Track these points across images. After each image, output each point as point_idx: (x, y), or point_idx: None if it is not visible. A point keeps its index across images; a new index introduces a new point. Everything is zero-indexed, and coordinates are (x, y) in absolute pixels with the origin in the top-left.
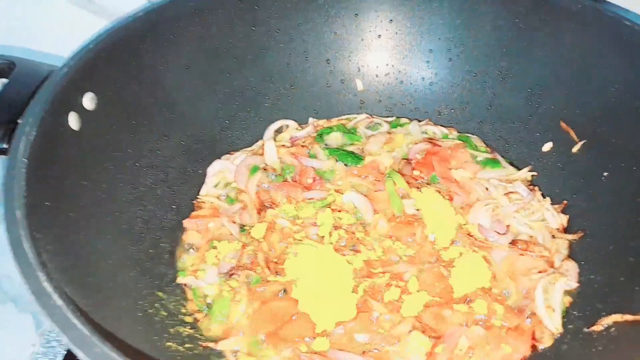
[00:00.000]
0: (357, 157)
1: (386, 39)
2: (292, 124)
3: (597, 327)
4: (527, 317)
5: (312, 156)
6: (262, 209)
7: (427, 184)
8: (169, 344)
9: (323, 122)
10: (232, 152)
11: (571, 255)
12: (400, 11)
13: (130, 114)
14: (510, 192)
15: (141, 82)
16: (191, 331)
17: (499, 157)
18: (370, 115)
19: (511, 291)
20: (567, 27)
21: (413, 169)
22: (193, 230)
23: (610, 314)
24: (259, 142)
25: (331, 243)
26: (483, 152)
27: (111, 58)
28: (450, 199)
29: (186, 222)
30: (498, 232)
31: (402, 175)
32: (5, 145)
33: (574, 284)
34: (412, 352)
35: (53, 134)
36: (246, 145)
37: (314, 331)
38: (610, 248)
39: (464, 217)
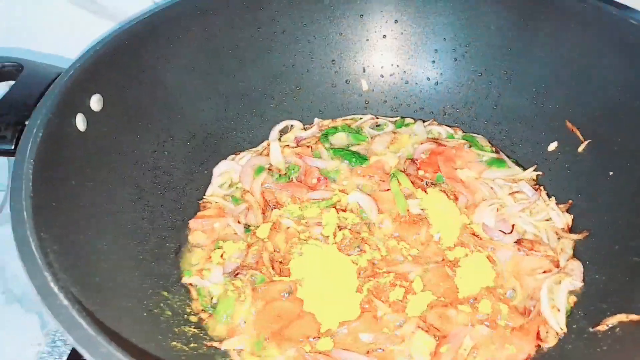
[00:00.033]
0: (362, 157)
1: (391, 39)
2: (297, 124)
3: (602, 327)
4: (531, 317)
5: (317, 156)
6: (267, 209)
7: (432, 183)
8: (173, 343)
9: (328, 123)
10: (237, 153)
11: (576, 255)
12: (406, 12)
13: (136, 115)
14: (515, 192)
15: (147, 84)
16: (196, 331)
17: (504, 157)
18: (376, 115)
19: (516, 291)
20: (571, 26)
21: (418, 168)
22: (198, 230)
23: (615, 314)
24: (264, 143)
25: (336, 243)
26: (488, 151)
27: (118, 60)
28: (456, 199)
29: (192, 222)
30: (503, 232)
31: (407, 175)
32: (12, 147)
33: (578, 284)
34: (417, 352)
35: (60, 136)
36: (251, 145)
37: (319, 331)
38: (615, 248)
39: (469, 216)
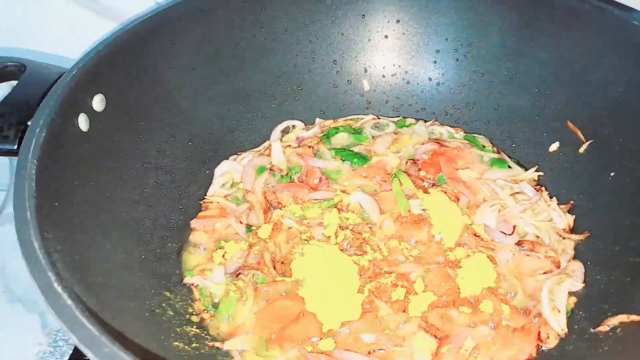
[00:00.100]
0: (363, 158)
1: (393, 39)
2: (298, 124)
3: (603, 328)
4: (533, 318)
5: (319, 157)
6: (268, 209)
7: (434, 184)
8: (176, 343)
9: (329, 123)
10: (239, 153)
11: (577, 256)
12: (407, 12)
13: (138, 115)
14: (516, 193)
15: (149, 84)
16: (198, 331)
17: (505, 158)
18: (377, 115)
19: (517, 292)
20: (573, 27)
21: (419, 169)
22: (200, 230)
23: (616, 315)
24: (266, 143)
25: (337, 243)
26: (490, 152)
27: (120, 60)
28: (457, 199)
29: (193, 222)
30: (504, 233)
31: (409, 175)
32: (15, 147)
33: (579, 285)
34: (418, 353)
35: (62, 135)
36: (253, 145)
37: (321, 331)
38: (616, 248)
39: (470, 217)
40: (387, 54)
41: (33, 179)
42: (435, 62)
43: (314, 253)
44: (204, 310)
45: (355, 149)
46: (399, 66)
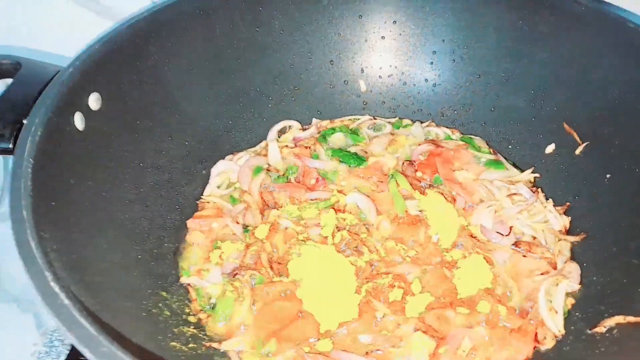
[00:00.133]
0: (360, 158)
1: (390, 40)
2: (295, 124)
3: (600, 329)
4: (529, 319)
5: (315, 157)
6: (265, 209)
7: (430, 185)
8: (173, 343)
9: (326, 123)
10: (235, 153)
11: (573, 257)
12: (404, 13)
13: (134, 114)
14: (513, 194)
15: (145, 83)
16: (195, 331)
17: (502, 159)
18: (374, 116)
19: (514, 293)
20: (569, 29)
21: (416, 170)
22: (197, 230)
23: (612, 316)
24: (263, 143)
25: (334, 244)
26: (486, 153)
27: (116, 59)
28: (454, 200)
29: (190, 222)
30: (501, 234)
31: (405, 176)
32: (10, 145)
33: (576, 286)
34: (415, 353)
35: (58, 134)
36: (250, 145)
37: (318, 331)
38: (612, 250)
39: (466, 218)
40: (384, 54)
41: (29, 177)
42: (431, 63)
43: (311, 254)
44: (201, 310)
45: (352, 150)
46: (396, 67)
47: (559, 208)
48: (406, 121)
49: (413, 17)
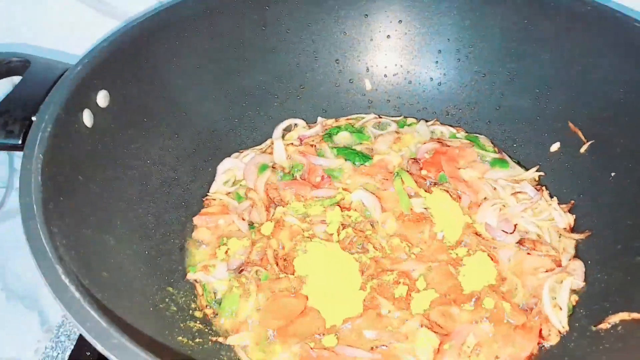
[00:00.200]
0: (365, 156)
1: (395, 39)
2: (300, 123)
3: (604, 325)
4: (534, 316)
5: (321, 155)
6: (270, 206)
7: (435, 183)
8: (179, 338)
9: (331, 122)
10: (241, 151)
11: (578, 255)
12: (410, 12)
13: (141, 112)
14: (517, 192)
15: (152, 81)
16: (201, 326)
17: (506, 157)
18: (379, 115)
19: (518, 290)
20: (574, 28)
21: (421, 168)
22: (203, 227)
23: (616, 313)
24: (268, 141)
25: (339, 241)
26: (491, 152)
27: (124, 57)
28: (459, 199)
29: (196, 219)
30: (505, 231)
31: (411, 174)
32: (19, 142)
33: (580, 283)
34: (420, 349)
35: (67, 131)
36: (255, 143)
37: (324, 327)
38: (617, 247)
39: (471, 216)
40: (389, 53)
41: (39, 173)
42: (437, 62)
43: (317, 250)
44: (207, 306)
45: (357, 148)
46: (401, 66)
47: (563, 206)
48: (411, 120)
49: (419, 16)
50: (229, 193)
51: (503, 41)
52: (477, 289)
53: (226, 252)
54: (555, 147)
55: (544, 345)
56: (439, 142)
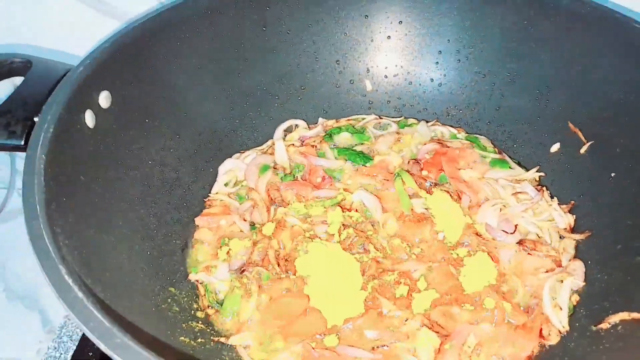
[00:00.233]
0: (366, 157)
1: (396, 40)
2: (301, 123)
3: (604, 325)
4: (534, 315)
5: (321, 155)
6: (272, 206)
7: (436, 183)
8: (182, 338)
9: (332, 122)
10: (242, 151)
11: (578, 255)
12: (410, 13)
13: (143, 112)
14: (518, 192)
15: (154, 82)
16: (203, 326)
17: (507, 158)
18: (379, 115)
19: (519, 290)
20: (574, 28)
21: (422, 169)
22: (205, 227)
23: (617, 312)
24: (269, 142)
25: (340, 241)
26: (491, 152)
27: (126, 58)
28: (459, 199)
29: (198, 220)
30: (506, 232)
31: (411, 175)
32: (22, 142)
33: (580, 283)
34: (421, 349)
35: (70, 131)
36: (256, 144)
37: (325, 327)
38: (617, 247)
39: (472, 216)
40: (390, 54)
41: (42, 174)
42: (437, 63)
43: (318, 251)
44: (209, 306)
45: (358, 149)
46: (401, 67)
47: (563, 206)
48: (412, 120)
49: (419, 17)
50: (231, 194)
51: (503, 42)
52: (477, 289)
53: (228, 252)
54: (555, 147)
55: (544, 345)
56: (439, 142)
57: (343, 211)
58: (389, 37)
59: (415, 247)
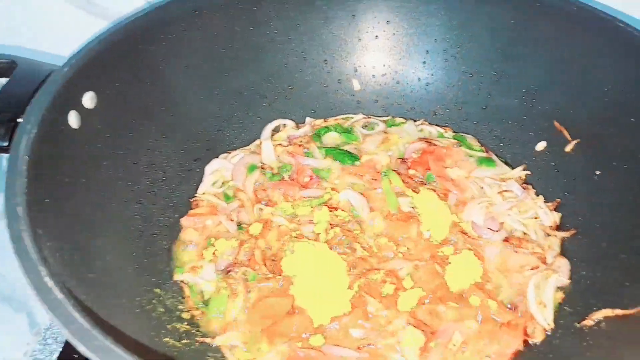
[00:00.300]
0: (353, 157)
1: (383, 39)
2: (289, 123)
3: (588, 322)
4: (519, 313)
5: (309, 155)
6: (256, 205)
7: (423, 182)
8: (166, 339)
9: (320, 122)
10: (230, 151)
11: (563, 253)
12: (398, 13)
13: (129, 113)
14: (504, 191)
15: (140, 82)
16: (188, 327)
17: (493, 156)
18: (367, 115)
19: (504, 287)
20: (560, 28)
21: (409, 168)
22: (191, 227)
23: (601, 309)
24: (257, 141)
25: (327, 241)
26: (478, 151)
27: (111, 58)
28: (445, 197)
29: (184, 220)
30: (491, 230)
31: (398, 174)
32: (5, 143)
33: (565, 280)
34: (407, 347)
35: (53, 132)
36: (244, 144)
37: (312, 327)
38: (601, 245)
39: (458, 215)
40: (377, 54)
41: (24, 175)
42: (424, 62)
43: (304, 250)
44: (195, 307)
45: (346, 148)
46: (389, 66)
47: (549, 204)
48: (399, 120)
49: (406, 17)
50: (217, 194)
51: (490, 41)
52: (463, 287)
53: (214, 253)
54: (541, 146)
55: (529, 343)
56: (426, 141)
57: (330, 210)
58: (376, 36)
59: (401, 245)
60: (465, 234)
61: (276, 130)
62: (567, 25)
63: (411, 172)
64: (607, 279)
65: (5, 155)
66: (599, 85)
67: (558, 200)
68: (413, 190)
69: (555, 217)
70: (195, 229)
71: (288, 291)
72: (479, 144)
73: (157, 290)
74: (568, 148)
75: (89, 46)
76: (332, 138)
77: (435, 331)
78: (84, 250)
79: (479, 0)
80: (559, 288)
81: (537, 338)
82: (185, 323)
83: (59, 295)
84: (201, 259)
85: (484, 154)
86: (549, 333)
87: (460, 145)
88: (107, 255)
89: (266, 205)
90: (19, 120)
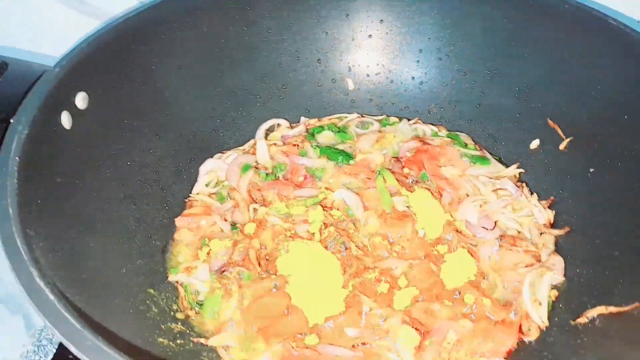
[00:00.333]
0: (347, 156)
1: (377, 39)
2: (283, 123)
3: (582, 320)
4: (514, 311)
5: (303, 155)
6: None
7: (417, 181)
8: (160, 340)
9: (314, 121)
10: (224, 151)
11: (557, 250)
12: (391, 12)
13: (122, 113)
14: (498, 189)
15: (133, 82)
16: (183, 327)
17: (487, 155)
18: (361, 114)
19: (498, 285)
20: (554, 27)
21: (403, 166)
22: (185, 228)
23: (595, 307)
24: (251, 141)
25: (321, 240)
26: (472, 149)
27: (104, 58)
28: (440, 196)
29: (178, 220)
30: (486, 228)
31: (392, 173)
32: None
33: (560, 278)
34: (401, 346)
35: (45, 133)
36: (238, 144)
37: (307, 326)
38: (595, 242)
39: (452, 213)
40: (371, 53)
41: (15, 176)
42: (418, 61)
43: (299, 250)
44: (189, 307)
45: (340, 147)
46: (383, 65)
47: (543, 202)
48: (393, 119)
49: (400, 16)
50: (212, 194)
51: (483, 40)
52: (457, 285)
53: (208, 253)
54: (535, 144)
55: (524, 340)
56: (420, 140)
57: (324, 210)
58: (370, 35)
59: (396, 244)
60: (460, 232)
61: (270, 129)
62: (561, 24)
63: (405, 171)
64: (602, 277)
65: None
66: (592, 84)
67: (552, 198)
68: (407, 189)
69: (550, 215)
70: (190, 229)
71: (283, 291)
72: (473, 143)
73: (151, 291)
74: (562, 146)
75: (80, 46)
76: (326, 137)
77: (430, 330)
78: (76, 251)
79: (472, 0)
80: (554, 286)
81: (531, 336)
82: (180, 323)
83: (50, 296)
84: (195, 259)
85: (478, 152)
86: (544, 331)
87: (454, 144)
88: (100, 256)
89: (261, 205)
90: (11, 120)
